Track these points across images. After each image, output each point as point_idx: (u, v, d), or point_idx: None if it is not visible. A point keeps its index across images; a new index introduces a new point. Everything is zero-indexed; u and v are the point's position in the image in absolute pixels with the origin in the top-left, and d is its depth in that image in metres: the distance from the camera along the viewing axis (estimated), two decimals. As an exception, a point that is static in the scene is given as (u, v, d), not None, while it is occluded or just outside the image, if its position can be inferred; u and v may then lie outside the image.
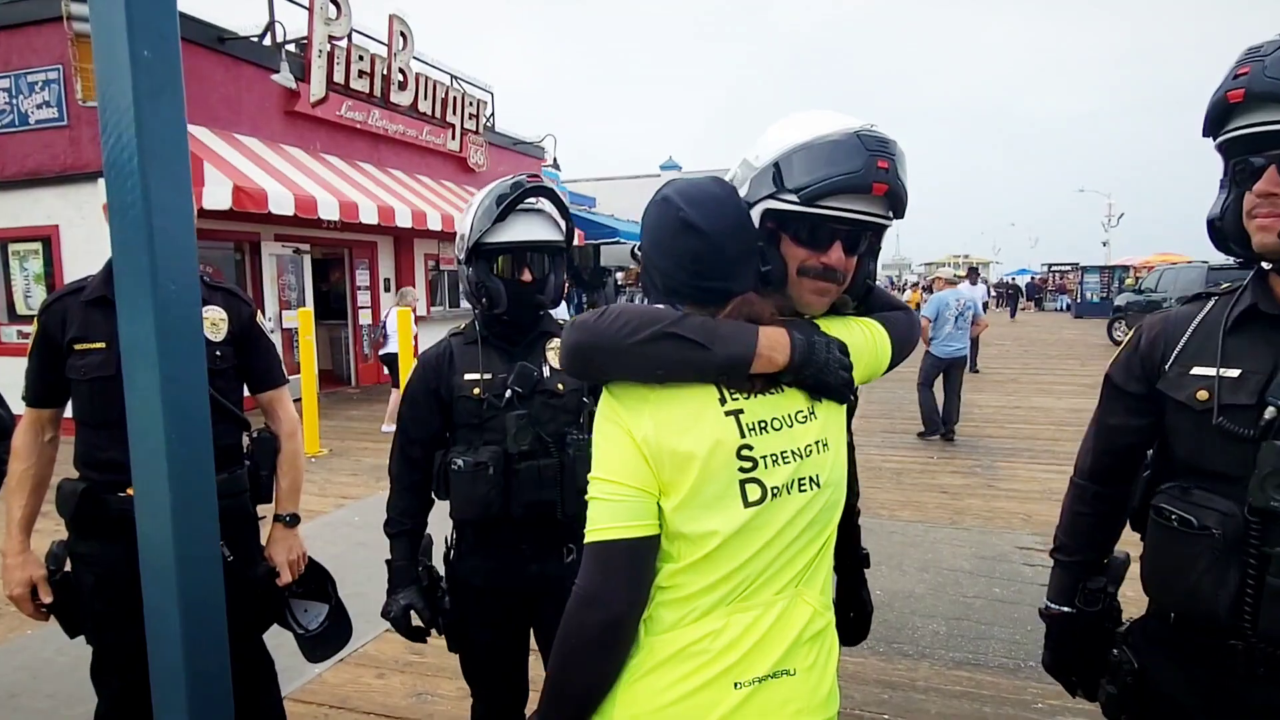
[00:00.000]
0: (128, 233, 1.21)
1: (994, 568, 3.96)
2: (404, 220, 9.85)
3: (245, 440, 1.93)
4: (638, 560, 1.00)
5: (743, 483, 1.01)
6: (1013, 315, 28.59)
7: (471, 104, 12.94)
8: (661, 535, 1.03)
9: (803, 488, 1.04)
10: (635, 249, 1.18)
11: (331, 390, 10.87)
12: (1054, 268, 43.42)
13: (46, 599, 1.78)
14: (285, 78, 9.12)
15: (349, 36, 9.89)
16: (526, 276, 1.67)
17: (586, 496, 1.02)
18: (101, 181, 5.01)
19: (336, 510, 5.24)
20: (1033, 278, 46.19)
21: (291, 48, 9.60)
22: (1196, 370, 1.17)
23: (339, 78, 9.87)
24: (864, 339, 1.14)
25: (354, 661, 3.03)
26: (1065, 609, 1.38)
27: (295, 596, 1.97)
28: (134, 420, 1.22)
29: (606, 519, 1.00)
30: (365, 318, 11.71)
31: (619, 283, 18.73)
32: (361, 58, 10.22)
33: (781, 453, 1.03)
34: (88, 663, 1.85)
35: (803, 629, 1.04)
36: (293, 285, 10.33)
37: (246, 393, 2.00)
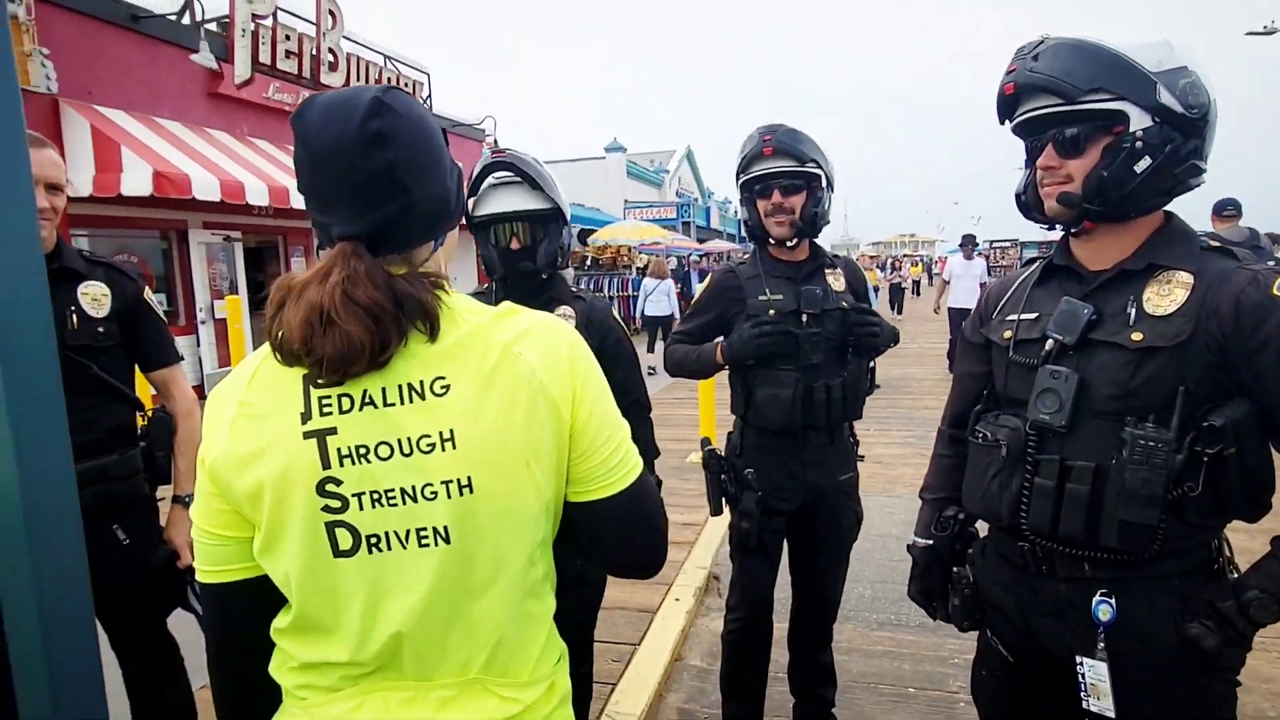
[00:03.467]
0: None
1: (922, 532, 4.08)
2: (339, 205, 9.61)
3: (140, 421, 1.87)
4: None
5: (330, 526, 0.80)
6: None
7: (407, 85, 12.65)
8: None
9: (423, 539, 0.80)
10: None
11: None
12: (995, 244, 44.79)
13: None
14: (205, 58, 8.76)
15: (274, 15, 9.54)
16: (514, 245, 1.77)
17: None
18: None
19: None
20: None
21: (213, 27, 9.22)
22: (1010, 317, 1.39)
23: (265, 58, 9.53)
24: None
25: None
26: (927, 541, 1.53)
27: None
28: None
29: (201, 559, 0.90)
30: (303, 307, 11.44)
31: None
32: (288, 37, 9.88)
33: (395, 490, 0.80)
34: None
35: None
36: (224, 274, 10.00)
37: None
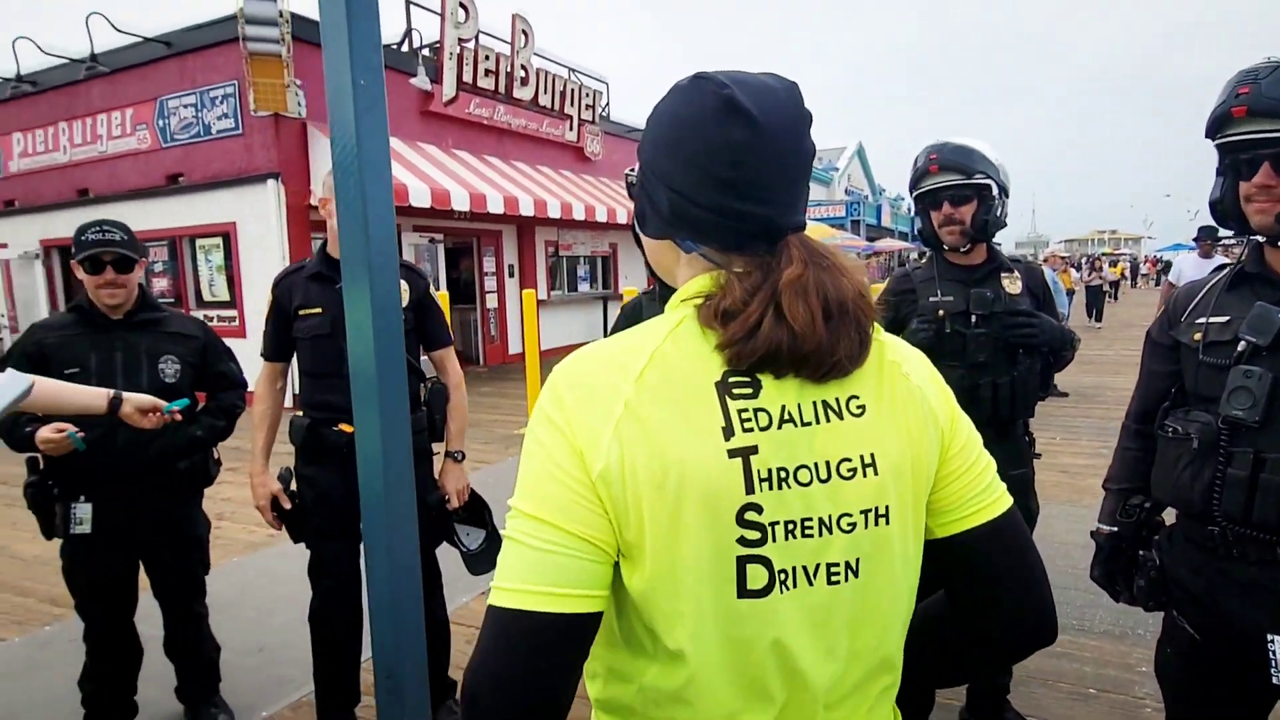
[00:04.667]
0: (350, 220, 1.58)
1: (1111, 544, 3.93)
2: (527, 209, 10.46)
3: (422, 390, 2.35)
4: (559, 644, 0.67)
5: (742, 561, 0.69)
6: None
7: (588, 95, 13.43)
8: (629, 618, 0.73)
9: (834, 578, 0.72)
10: (629, 174, 0.84)
11: (462, 369, 11.72)
12: (1220, 240, 39.61)
13: (286, 506, 2.28)
14: (422, 81, 9.89)
15: (476, 38, 10.55)
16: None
17: (503, 532, 0.71)
18: (270, 182, 5.89)
19: (472, 473, 5.80)
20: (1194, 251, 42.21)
21: (426, 52, 10.36)
22: (1199, 320, 1.49)
23: (467, 77, 10.56)
24: None
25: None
26: (1111, 528, 1.65)
27: (460, 522, 2.40)
28: (354, 367, 1.61)
29: (519, 573, 0.68)
30: (492, 302, 12.49)
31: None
32: (487, 57, 10.87)
33: (824, 519, 0.71)
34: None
35: None
36: (428, 272, 11.21)
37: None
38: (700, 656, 0.70)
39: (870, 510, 0.73)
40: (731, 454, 0.68)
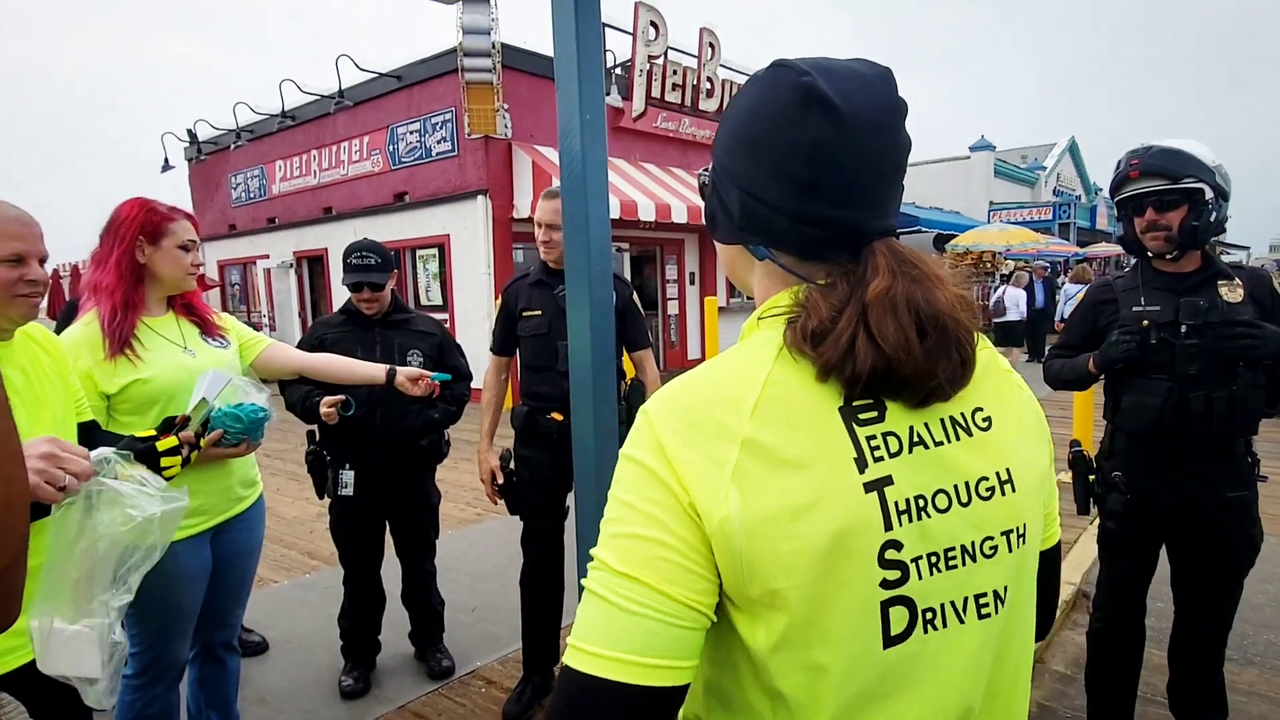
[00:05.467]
0: (575, 236, 1.84)
1: (1371, 592, 3.42)
2: (710, 218, 10.71)
3: (621, 386, 2.61)
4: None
5: (885, 605, 0.62)
6: None
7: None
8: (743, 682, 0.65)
9: (983, 609, 0.66)
10: (701, 173, 0.79)
11: (643, 373, 12.23)
12: None
13: (500, 481, 2.64)
14: (614, 99, 10.47)
15: (665, 54, 10.98)
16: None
17: (583, 581, 0.64)
18: (480, 198, 6.56)
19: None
20: None
21: (619, 70, 10.95)
22: None
23: (655, 93, 11.02)
24: None
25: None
26: None
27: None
28: (574, 360, 1.87)
29: (607, 637, 0.59)
30: (673, 308, 12.90)
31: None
32: (675, 72, 11.27)
33: (959, 548, 0.65)
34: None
35: None
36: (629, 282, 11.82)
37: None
38: (839, 713, 0.62)
39: (1011, 530, 0.67)
40: (867, 487, 0.61)
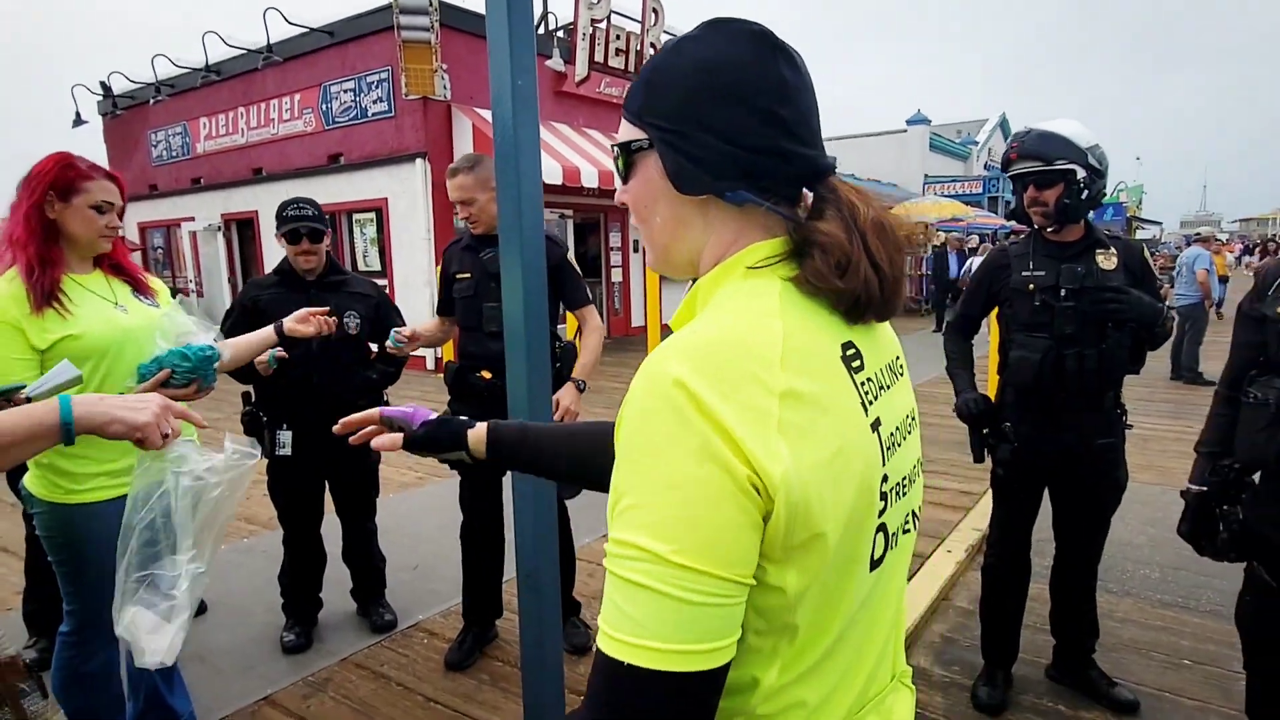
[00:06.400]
0: (507, 197, 1.91)
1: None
2: (651, 185, 10.75)
3: (555, 347, 2.70)
4: (705, 700, 0.59)
5: (875, 533, 0.68)
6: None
7: None
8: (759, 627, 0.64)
9: (906, 527, 0.75)
10: (635, 142, 0.76)
11: (585, 340, 12.31)
12: None
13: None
14: (556, 62, 10.35)
15: (608, 18, 10.88)
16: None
17: (617, 570, 0.59)
18: (419, 161, 6.60)
19: (594, 434, 6.25)
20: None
21: (560, 34, 10.81)
22: None
23: (599, 57, 10.92)
24: None
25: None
26: (1200, 488, 1.80)
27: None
28: (507, 320, 1.94)
29: (667, 631, 0.57)
30: (616, 276, 12.97)
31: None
32: (618, 37, 11.18)
33: (904, 478, 0.73)
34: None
35: None
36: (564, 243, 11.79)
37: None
38: (834, 637, 0.66)
39: (918, 460, 0.78)
40: (871, 428, 0.67)
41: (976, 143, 26.56)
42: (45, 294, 1.79)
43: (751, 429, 0.57)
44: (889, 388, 0.72)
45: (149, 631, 1.31)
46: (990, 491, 2.56)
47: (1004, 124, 29.03)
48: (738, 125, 0.68)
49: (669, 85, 0.71)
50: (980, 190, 22.74)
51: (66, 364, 1.62)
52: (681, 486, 0.57)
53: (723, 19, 0.71)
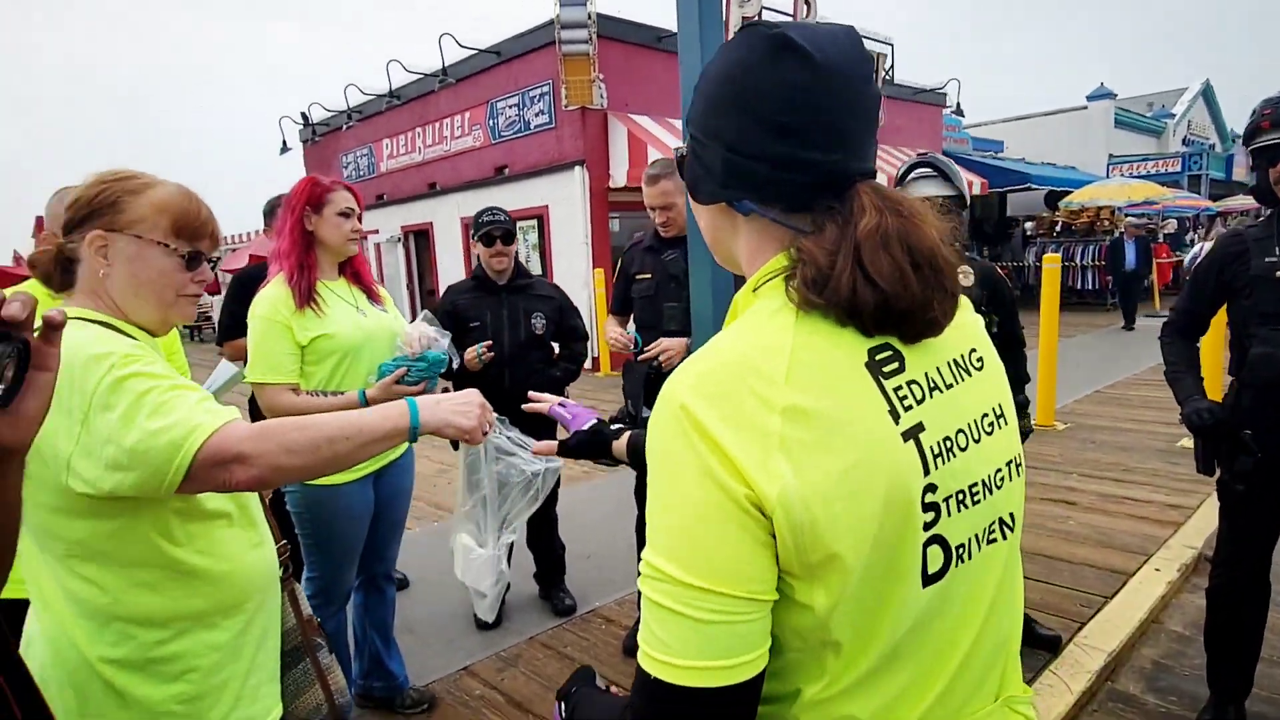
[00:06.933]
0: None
1: None
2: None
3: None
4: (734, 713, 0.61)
5: (924, 546, 0.65)
6: None
7: (871, 59, 13.02)
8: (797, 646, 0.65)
9: (992, 536, 0.71)
10: (678, 150, 0.80)
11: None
12: None
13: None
14: (708, 63, 10.40)
15: (760, 13, 10.77)
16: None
17: (644, 589, 0.63)
18: (577, 169, 6.82)
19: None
20: None
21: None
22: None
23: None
24: None
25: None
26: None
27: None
28: (696, 317, 2.00)
29: (688, 649, 0.60)
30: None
31: (1027, 234, 17.02)
32: (771, 32, 11.07)
33: (978, 484, 0.69)
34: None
35: None
36: (708, 246, 11.86)
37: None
38: (883, 652, 0.65)
39: (1011, 460, 0.73)
40: (904, 436, 0.63)
41: (1173, 115, 23.77)
42: (305, 294, 2.08)
43: (748, 449, 0.58)
44: (950, 387, 0.69)
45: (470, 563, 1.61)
46: (1215, 505, 2.30)
47: (1207, 92, 25.77)
48: (741, 134, 0.67)
49: (699, 95, 0.72)
50: (1179, 168, 20.32)
51: (226, 364, 1.95)
52: (687, 508, 0.60)
53: (753, 24, 0.70)
